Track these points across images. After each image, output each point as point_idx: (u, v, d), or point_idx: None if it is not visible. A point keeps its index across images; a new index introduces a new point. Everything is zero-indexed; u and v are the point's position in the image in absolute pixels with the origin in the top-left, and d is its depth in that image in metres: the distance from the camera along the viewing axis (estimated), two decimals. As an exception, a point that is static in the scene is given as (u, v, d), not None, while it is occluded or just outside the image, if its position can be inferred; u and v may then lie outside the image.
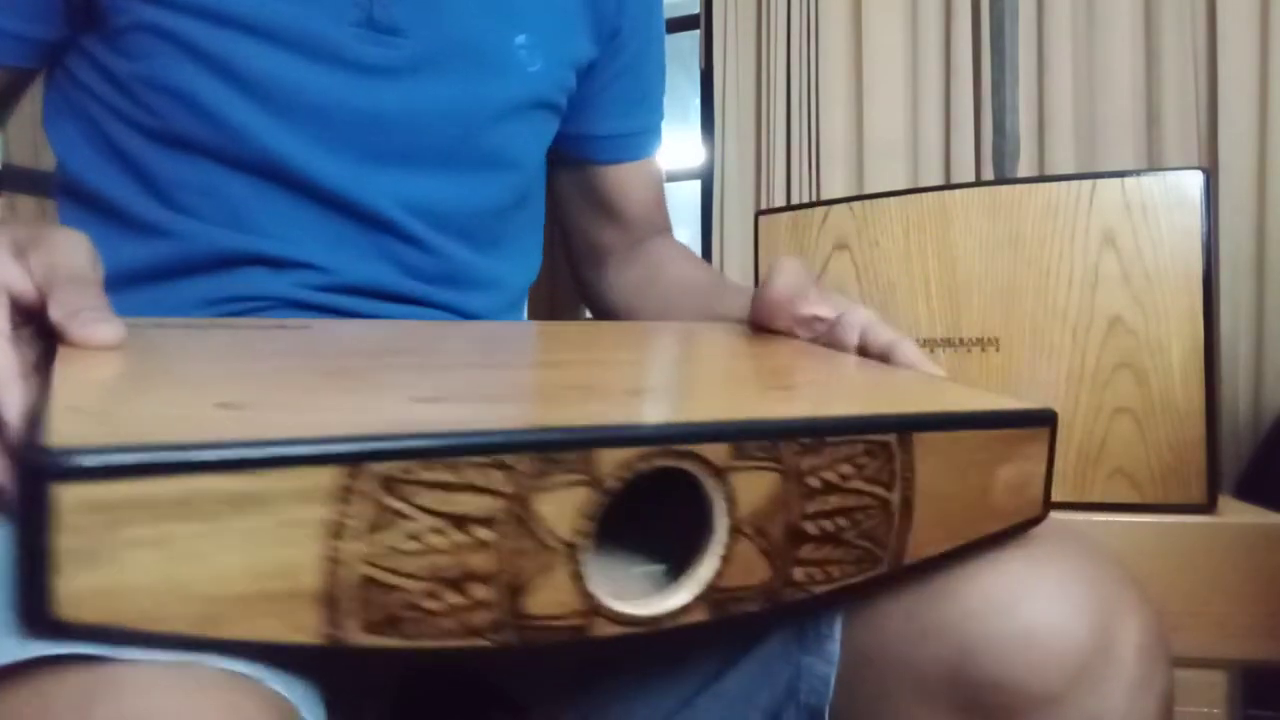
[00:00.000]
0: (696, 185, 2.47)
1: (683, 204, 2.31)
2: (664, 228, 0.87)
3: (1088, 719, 0.42)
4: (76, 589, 0.29)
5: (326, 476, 0.31)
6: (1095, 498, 0.96)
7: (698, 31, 2.42)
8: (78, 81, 0.63)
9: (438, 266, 0.66)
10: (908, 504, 0.41)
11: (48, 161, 0.70)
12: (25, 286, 0.40)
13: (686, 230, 2.32)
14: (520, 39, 0.67)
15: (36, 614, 0.29)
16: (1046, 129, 1.93)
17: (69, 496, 0.28)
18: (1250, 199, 1.76)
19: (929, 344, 1.03)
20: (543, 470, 0.33)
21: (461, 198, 0.67)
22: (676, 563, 0.39)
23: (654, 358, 0.54)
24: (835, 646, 0.49)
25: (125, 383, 0.38)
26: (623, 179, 0.82)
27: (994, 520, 0.44)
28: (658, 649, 0.53)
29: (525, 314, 0.81)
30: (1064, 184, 0.98)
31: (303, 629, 0.31)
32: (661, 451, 0.35)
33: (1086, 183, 0.97)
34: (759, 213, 1.16)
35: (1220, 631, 0.92)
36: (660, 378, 0.51)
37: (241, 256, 0.61)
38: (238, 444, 0.30)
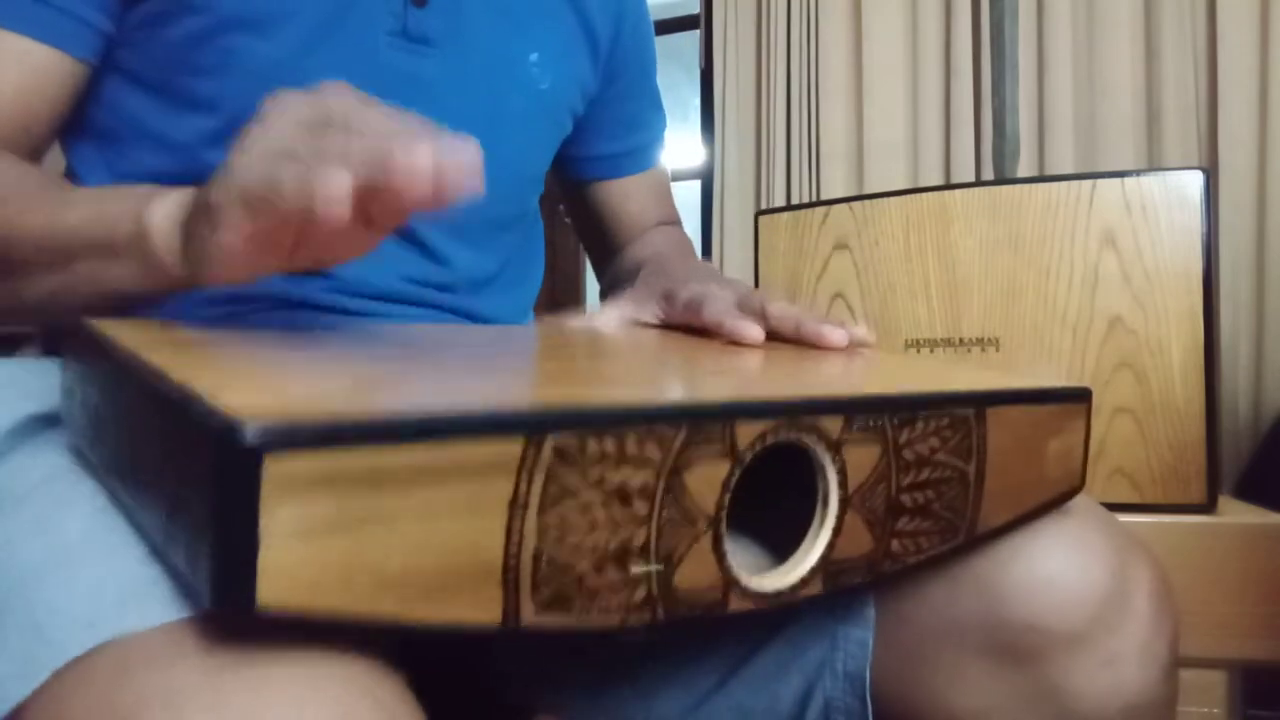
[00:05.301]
0: (696, 185, 2.47)
1: (683, 204, 2.28)
2: (667, 220, 0.90)
3: (1109, 658, 0.47)
4: (279, 568, 0.26)
5: (512, 447, 0.30)
6: (1095, 498, 0.95)
7: (698, 31, 2.42)
8: (101, 100, 0.62)
9: (451, 273, 0.67)
10: (981, 476, 0.44)
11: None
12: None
13: (687, 230, 2.32)
14: (533, 57, 0.70)
15: (238, 601, 0.26)
16: (1046, 129, 1.93)
17: (278, 471, 0.26)
18: (1250, 199, 1.76)
19: (929, 344, 1.03)
20: (692, 442, 0.34)
21: (476, 206, 0.67)
22: (768, 542, 0.40)
23: (748, 351, 0.55)
24: (871, 610, 0.52)
25: (235, 367, 0.36)
26: (625, 191, 0.87)
27: (1045, 490, 0.48)
28: (691, 637, 0.55)
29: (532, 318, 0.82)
30: (1064, 184, 0.98)
31: (486, 608, 0.30)
32: (789, 424, 0.36)
33: (1086, 183, 0.97)
34: (759, 213, 1.16)
35: (1220, 631, 0.92)
36: (770, 363, 0.52)
37: None
38: (428, 412, 0.29)
